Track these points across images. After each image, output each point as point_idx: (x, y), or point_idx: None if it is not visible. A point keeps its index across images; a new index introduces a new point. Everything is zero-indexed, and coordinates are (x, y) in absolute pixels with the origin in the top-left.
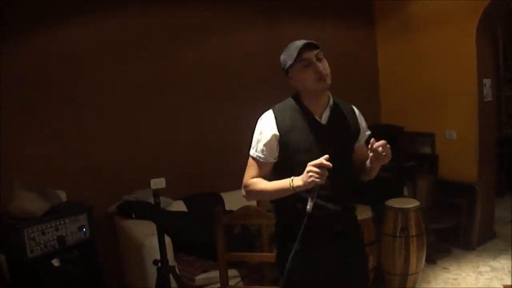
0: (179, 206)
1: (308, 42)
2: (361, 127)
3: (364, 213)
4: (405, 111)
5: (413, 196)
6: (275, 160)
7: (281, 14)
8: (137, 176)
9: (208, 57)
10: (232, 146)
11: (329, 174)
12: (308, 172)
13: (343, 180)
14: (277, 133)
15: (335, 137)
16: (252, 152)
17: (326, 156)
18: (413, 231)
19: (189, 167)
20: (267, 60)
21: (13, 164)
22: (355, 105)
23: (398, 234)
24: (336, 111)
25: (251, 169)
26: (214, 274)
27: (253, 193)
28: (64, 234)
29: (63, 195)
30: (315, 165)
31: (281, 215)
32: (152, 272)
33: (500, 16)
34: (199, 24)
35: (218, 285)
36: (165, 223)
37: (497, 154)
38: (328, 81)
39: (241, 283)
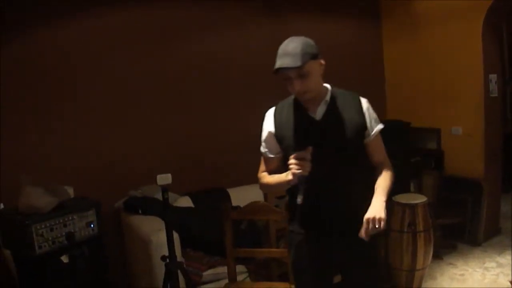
0: (185, 201)
1: (282, 67)
2: (367, 121)
3: None
4: (411, 107)
5: (419, 191)
6: (279, 155)
7: (286, 10)
8: (143, 172)
9: (214, 53)
10: (239, 142)
11: (324, 170)
12: (289, 164)
13: (341, 177)
14: (273, 130)
15: (331, 132)
16: (261, 147)
17: (309, 148)
18: (420, 226)
19: (196, 162)
20: (272, 56)
21: (20, 160)
22: None
23: (405, 230)
24: (333, 106)
25: (262, 163)
26: (221, 270)
27: (262, 186)
28: (72, 230)
29: (70, 191)
30: (293, 157)
31: (288, 208)
32: (159, 268)
33: (506, 12)
34: (201, 20)
35: (225, 281)
36: (172, 218)
37: (502, 150)
38: (308, 96)
39: (248, 279)
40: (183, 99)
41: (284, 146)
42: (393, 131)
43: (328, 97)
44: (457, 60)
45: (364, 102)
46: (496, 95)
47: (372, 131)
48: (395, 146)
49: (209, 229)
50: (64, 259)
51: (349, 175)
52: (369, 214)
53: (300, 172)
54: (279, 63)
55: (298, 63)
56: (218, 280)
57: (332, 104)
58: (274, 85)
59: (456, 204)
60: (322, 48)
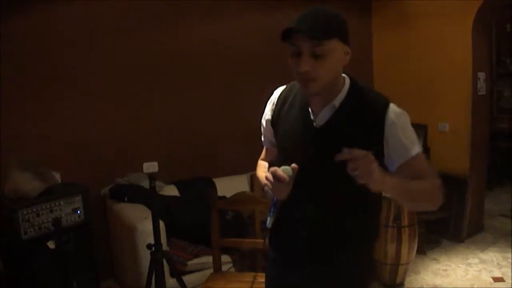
0: (171, 190)
1: (294, 30)
2: (387, 144)
3: None
4: (398, 102)
5: None
6: (275, 148)
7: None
8: (129, 160)
9: (206, 41)
10: (226, 132)
11: (309, 195)
12: (265, 177)
13: (332, 207)
14: (270, 117)
15: (330, 147)
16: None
17: (294, 166)
18: (405, 221)
19: (182, 151)
20: (264, 45)
21: (8, 145)
22: None
23: (390, 224)
24: (343, 112)
25: (263, 150)
26: (206, 259)
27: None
28: (59, 216)
29: (58, 176)
30: (271, 172)
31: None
32: (144, 256)
33: (496, 11)
34: (196, 6)
35: (210, 270)
36: (158, 207)
37: (488, 148)
38: (312, 88)
39: (233, 269)
40: (172, 88)
41: (277, 143)
42: None
43: (339, 99)
44: (446, 57)
45: (393, 114)
46: (484, 93)
47: (394, 160)
48: None
49: (194, 218)
50: (50, 245)
51: (341, 208)
52: (369, 157)
53: (272, 194)
54: (293, 25)
55: (317, 34)
56: (202, 269)
57: (343, 109)
58: (266, 75)
59: None
60: None
